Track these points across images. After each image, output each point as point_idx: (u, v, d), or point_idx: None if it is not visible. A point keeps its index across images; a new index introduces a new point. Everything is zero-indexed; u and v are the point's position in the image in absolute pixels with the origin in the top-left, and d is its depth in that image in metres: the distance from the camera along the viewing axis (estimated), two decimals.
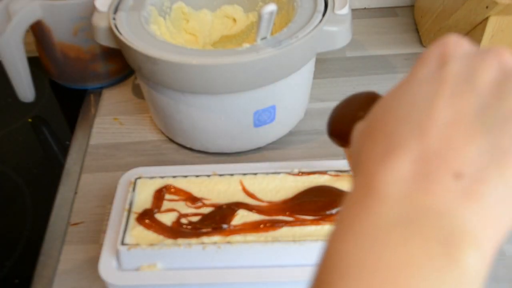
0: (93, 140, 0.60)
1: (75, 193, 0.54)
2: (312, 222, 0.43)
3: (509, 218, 0.20)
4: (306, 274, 0.41)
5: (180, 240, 0.42)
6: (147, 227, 0.43)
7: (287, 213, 0.44)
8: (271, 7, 0.45)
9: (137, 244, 0.42)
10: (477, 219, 0.19)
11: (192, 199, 0.45)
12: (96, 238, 0.49)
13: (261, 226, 0.43)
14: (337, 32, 0.50)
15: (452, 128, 0.21)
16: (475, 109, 0.21)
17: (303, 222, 0.43)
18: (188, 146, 0.57)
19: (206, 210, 0.44)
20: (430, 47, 0.24)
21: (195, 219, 0.43)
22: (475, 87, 0.22)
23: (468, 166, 0.20)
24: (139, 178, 0.47)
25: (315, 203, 0.44)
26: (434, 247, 0.19)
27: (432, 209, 0.20)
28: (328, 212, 0.43)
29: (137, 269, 0.42)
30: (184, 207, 0.44)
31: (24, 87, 0.60)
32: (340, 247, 0.21)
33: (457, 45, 0.24)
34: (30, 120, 0.64)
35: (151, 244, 0.41)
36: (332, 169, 0.48)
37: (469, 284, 0.19)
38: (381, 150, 0.21)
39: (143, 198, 0.45)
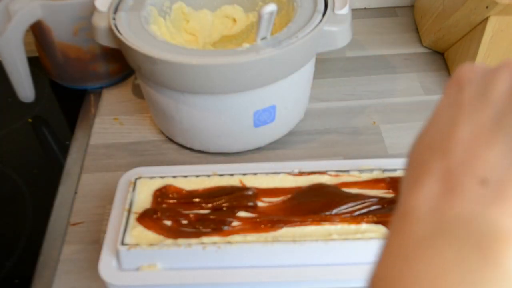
0: (93, 140, 0.60)
1: (75, 193, 0.54)
2: (312, 222, 0.43)
3: None
4: (306, 274, 0.41)
5: (180, 240, 0.42)
6: (147, 227, 0.43)
7: (287, 213, 0.44)
8: (271, 7, 0.45)
9: (137, 244, 0.42)
10: (509, 219, 0.20)
11: (192, 199, 0.45)
12: (96, 238, 0.49)
13: (261, 226, 0.43)
14: (337, 32, 0.50)
15: (472, 140, 0.22)
16: (492, 119, 0.23)
17: (303, 222, 0.43)
18: (188, 146, 0.57)
19: (206, 210, 0.44)
20: (449, 80, 0.26)
21: (195, 219, 0.43)
22: (490, 100, 0.23)
23: (491, 171, 0.21)
24: (139, 178, 0.47)
25: (315, 203, 0.44)
26: (468, 252, 0.20)
27: (461, 218, 0.20)
28: (327, 213, 0.43)
29: (137, 269, 0.42)
30: (184, 207, 0.44)
31: (24, 87, 0.60)
32: (382, 268, 0.22)
33: (470, 70, 0.25)
34: (30, 120, 0.64)
35: (151, 244, 0.41)
36: (332, 169, 0.48)
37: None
38: (411, 178, 0.23)
39: (143, 198, 0.45)
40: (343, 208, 0.43)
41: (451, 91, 0.25)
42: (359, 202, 0.44)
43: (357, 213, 0.43)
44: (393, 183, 0.46)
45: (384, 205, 0.44)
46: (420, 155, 0.24)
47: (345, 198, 0.44)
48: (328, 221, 0.43)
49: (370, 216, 0.43)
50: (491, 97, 0.23)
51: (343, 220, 0.43)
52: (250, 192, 0.45)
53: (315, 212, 0.43)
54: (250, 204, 0.44)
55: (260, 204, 0.44)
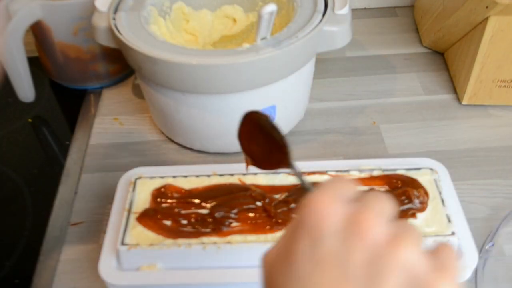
0: (93, 140, 0.60)
1: (75, 193, 0.54)
2: None
3: None
4: None
5: (180, 240, 0.42)
6: (147, 227, 0.43)
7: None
8: (271, 7, 0.45)
9: (137, 244, 0.42)
10: None
11: (192, 199, 0.45)
12: (96, 238, 0.49)
13: (261, 226, 0.43)
14: (337, 32, 0.50)
15: None
16: None
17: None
18: (188, 146, 0.57)
19: (206, 210, 0.44)
20: (301, 215, 0.24)
21: (195, 219, 0.43)
22: (349, 272, 0.22)
23: None
24: (139, 178, 0.47)
25: None
26: None
27: None
28: None
29: (137, 269, 0.42)
30: (184, 207, 0.44)
31: (24, 87, 0.60)
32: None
33: (327, 216, 0.23)
34: (30, 120, 0.64)
35: (151, 244, 0.42)
36: (332, 169, 0.48)
37: None
38: None
39: (143, 198, 0.45)
40: None
41: (305, 235, 0.23)
42: None
43: None
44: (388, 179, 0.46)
45: None
46: None
47: None
48: None
49: None
50: (350, 268, 0.22)
51: None
52: (250, 192, 0.45)
53: None
54: (251, 204, 0.44)
55: (259, 203, 0.44)
